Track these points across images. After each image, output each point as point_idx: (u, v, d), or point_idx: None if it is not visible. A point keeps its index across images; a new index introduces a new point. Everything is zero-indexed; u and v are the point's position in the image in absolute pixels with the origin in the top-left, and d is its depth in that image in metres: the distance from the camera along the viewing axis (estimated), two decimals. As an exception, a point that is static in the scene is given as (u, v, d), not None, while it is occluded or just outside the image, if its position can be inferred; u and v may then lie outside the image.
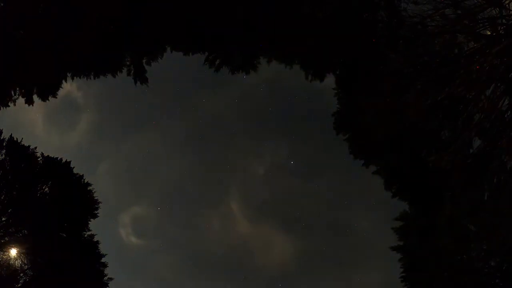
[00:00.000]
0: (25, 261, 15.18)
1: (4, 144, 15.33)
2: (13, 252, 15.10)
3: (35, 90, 15.29)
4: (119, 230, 23.52)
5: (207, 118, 22.39)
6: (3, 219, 15.02)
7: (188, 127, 22.99)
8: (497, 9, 8.89)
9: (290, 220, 24.56)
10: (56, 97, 15.57)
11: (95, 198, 16.32)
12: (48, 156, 15.87)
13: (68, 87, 17.79)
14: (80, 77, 15.51)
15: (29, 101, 15.32)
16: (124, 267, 23.27)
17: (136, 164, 23.93)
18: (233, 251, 25.07)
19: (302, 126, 21.83)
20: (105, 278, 16.18)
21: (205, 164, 23.83)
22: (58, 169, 15.87)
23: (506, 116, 9.32)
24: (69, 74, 15.43)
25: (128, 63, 15.53)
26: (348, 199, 22.73)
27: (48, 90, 15.36)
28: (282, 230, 24.89)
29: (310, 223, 23.92)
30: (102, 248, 16.26)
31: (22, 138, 15.60)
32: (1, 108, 15.21)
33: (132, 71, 15.57)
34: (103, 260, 16.26)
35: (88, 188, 16.25)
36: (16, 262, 15.14)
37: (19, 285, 15.04)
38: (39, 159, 15.73)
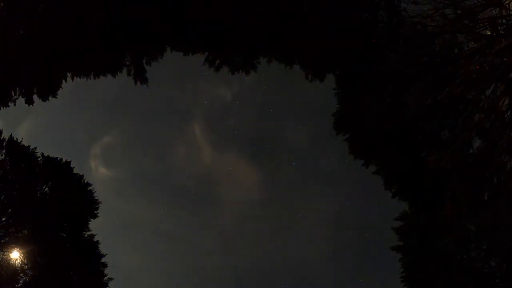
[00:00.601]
0: (25, 261, 15.18)
1: (4, 144, 15.34)
2: (13, 252, 15.11)
3: (35, 90, 15.28)
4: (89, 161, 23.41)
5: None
6: (3, 219, 15.02)
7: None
8: (497, 9, 8.89)
9: (255, 148, 24.70)
10: (56, 97, 15.57)
11: (95, 198, 16.35)
12: (48, 156, 15.88)
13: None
14: (80, 77, 15.49)
15: (29, 101, 15.30)
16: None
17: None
18: (199, 180, 25.24)
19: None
20: (105, 278, 16.20)
21: (169, 88, 23.32)
22: (58, 169, 15.88)
23: (506, 116, 9.32)
24: (69, 74, 15.42)
25: (128, 63, 15.52)
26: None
27: (48, 90, 15.34)
28: (247, 158, 24.96)
29: (277, 152, 24.10)
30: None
31: (22, 138, 15.67)
32: (1, 108, 15.20)
33: (132, 71, 15.57)
34: (103, 260, 16.30)
35: (88, 188, 16.26)
36: (16, 262, 15.14)
37: (19, 285, 15.05)
38: (39, 159, 15.74)
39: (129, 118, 24.21)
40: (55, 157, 15.97)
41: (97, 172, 23.88)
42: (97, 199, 16.32)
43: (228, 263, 25.78)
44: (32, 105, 15.40)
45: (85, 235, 16.13)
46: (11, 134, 15.49)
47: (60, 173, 15.88)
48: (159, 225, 25.48)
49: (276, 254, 25.45)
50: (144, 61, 15.50)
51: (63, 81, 15.48)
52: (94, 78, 15.55)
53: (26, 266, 15.17)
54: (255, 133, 24.70)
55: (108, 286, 16.22)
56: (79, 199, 16.04)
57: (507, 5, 8.83)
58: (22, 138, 15.58)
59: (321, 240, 24.91)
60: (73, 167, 16.16)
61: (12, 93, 15.16)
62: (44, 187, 15.68)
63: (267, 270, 25.28)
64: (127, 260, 24.77)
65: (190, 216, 25.90)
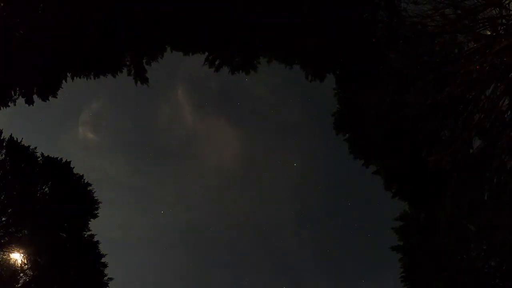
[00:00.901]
0: (25, 261, 15.19)
1: (4, 144, 15.34)
2: (13, 252, 15.11)
3: (35, 90, 15.28)
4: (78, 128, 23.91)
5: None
6: (3, 219, 15.02)
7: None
8: (497, 9, 8.90)
9: (237, 112, 25.09)
10: (56, 97, 15.57)
11: (95, 198, 16.34)
12: (48, 156, 15.89)
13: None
14: (80, 77, 15.50)
15: (29, 101, 15.31)
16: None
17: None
18: (181, 141, 25.85)
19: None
20: (105, 278, 16.20)
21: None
22: (58, 169, 15.88)
23: (506, 116, 9.33)
24: (69, 74, 15.42)
25: (128, 63, 15.52)
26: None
27: (48, 90, 15.35)
28: (228, 120, 25.37)
29: (257, 114, 24.67)
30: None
31: (22, 138, 15.67)
32: (1, 108, 15.20)
33: (132, 71, 15.57)
34: (103, 260, 16.30)
35: (88, 188, 16.26)
36: (16, 262, 15.15)
37: (19, 285, 15.05)
38: (39, 159, 15.74)
39: (115, 82, 24.65)
40: (55, 157, 15.99)
41: (85, 137, 24.62)
42: (97, 199, 16.34)
43: (204, 221, 26.87)
44: (32, 105, 15.42)
45: (85, 235, 16.14)
46: (11, 134, 15.52)
47: (60, 173, 15.88)
48: (142, 184, 26.62)
49: (248, 211, 26.52)
50: (144, 61, 15.50)
51: (63, 81, 15.49)
52: (94, 78, 15.55)
53: (26, 266, 15.17)
54: (237, 96, 25.02)
55: (108, 286, 16.25)
56: (79, 199, 16.04)
57: (507, 5, 8.83)
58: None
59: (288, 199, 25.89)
60: (73, 167, 16.20)
61: (12, 93, 15.17)
62: (44, 187, 15.68)
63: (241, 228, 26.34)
64: (114, 218, 25.23)
65: (172, 176, 26.98)
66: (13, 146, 15.42)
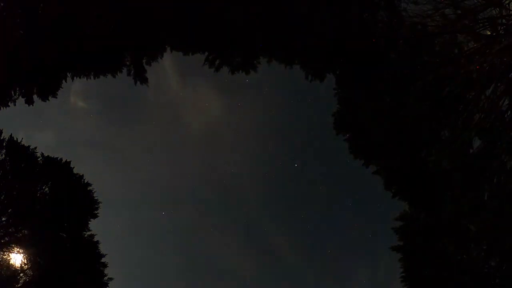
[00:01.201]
0: (25, 261, 15.19)
1: (4, 144, 15.34)
2: (13, 252, 15.11)
3: (35, 90, 15.28)
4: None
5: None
6: (3, 219, 15.02)
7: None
8: (497, 9, 8.91)
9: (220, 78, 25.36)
10: (56, 97, 15.57)
11: (95, 198, 16.35)
12: (48, 156, 15.89)
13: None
14: (80, 77, 15.50)
15: (29, 101, 15.30)
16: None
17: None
18: (166, 107, 25.98)
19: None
20: (105, 278, 16.20)
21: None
22: (58, 169, 15.88)
23: (506, 116, 9.33)
24: (69, 74, 15.42)
25: (128, 63, 15.52)
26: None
27: (48, 90, 15.34)
28: (212, 88, 25.42)
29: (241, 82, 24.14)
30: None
31: (22, 138, 15.67)
32: (1, 108, 15.19)
33: (132, 71, 15.57)
34: (103, 260, 16.31)
35: (88, 188, 16.26)
36: (16, 262, 15.16)
37: (19, 285, 15.05)
38: (39, 159, 15.74)
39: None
40: (55, 157, 16.00)
41: (76, 106, 24.95)
42: (97, 199, 16.34)
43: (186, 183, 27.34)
44: (32, 105, 15.42)
45: (85, 235, 16.14)
46: (11, 134, 15.53)
47: (60, 173, 15.88)
48: (126, 147, 26.74)
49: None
50: (144, 61, 15.50)
51: (63, 81, 15.50)
52: (94, 78, 15.56)
53: (26, 266, 15.18)
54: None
55: (108, 286, 16.27)
56: (79, 199, 16.05)
57: (507, 5, 8.84)
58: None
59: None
60: (73, 167, 16.20)
61: (12, 93, 15.16)
62: (44, 187, 15.69)
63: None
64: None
65: (154, 139, 27.07)
66: (13, 146, 15.42)
